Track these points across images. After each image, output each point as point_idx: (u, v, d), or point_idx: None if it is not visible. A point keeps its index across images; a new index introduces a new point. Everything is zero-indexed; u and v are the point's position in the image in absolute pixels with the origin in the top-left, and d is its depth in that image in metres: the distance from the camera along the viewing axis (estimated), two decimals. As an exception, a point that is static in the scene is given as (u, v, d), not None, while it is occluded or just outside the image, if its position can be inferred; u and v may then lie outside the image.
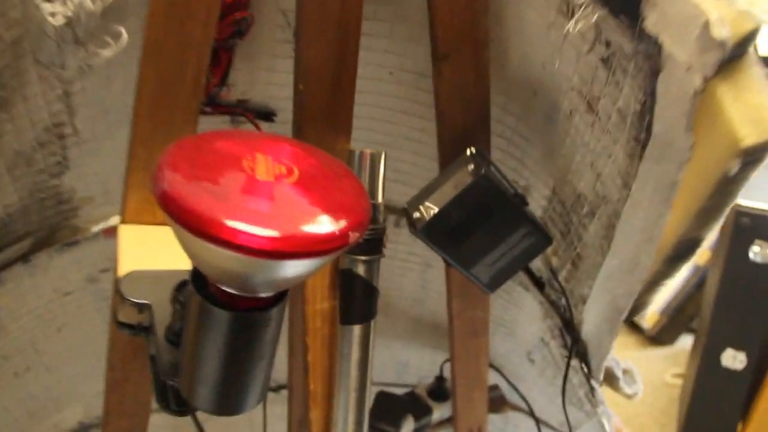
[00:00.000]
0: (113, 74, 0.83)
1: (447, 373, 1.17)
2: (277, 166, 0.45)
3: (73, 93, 0.82)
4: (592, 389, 1.00)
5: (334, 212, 0.44)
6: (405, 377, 1.44)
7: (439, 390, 1.21)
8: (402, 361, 1.43)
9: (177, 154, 0.44)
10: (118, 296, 0.64)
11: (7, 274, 0.96)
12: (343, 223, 0.43)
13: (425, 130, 0.95)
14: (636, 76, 0.59)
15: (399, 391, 1.23)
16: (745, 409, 2.01)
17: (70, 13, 0.64)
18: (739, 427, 2.03)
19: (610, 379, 0.99)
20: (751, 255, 1.87)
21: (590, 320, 0.88)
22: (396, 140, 0.98)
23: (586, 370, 0.99)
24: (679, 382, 2.35)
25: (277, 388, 1.41)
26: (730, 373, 1.97)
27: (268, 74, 0.89)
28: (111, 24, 0.71)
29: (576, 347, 0.96)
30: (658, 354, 2.57)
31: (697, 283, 2.48)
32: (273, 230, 0.41)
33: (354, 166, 0.73)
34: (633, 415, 2.22)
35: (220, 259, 0.43)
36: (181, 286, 0.56)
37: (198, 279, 0.49)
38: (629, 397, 1.00)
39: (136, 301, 0.63)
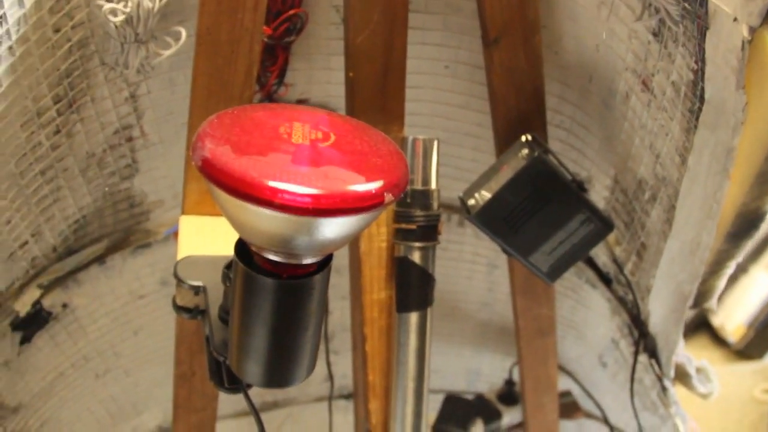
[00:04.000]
0: (176, 77, 0.87)
1: (516, 377, 1.15)
2: (314, 132, 0.46)
3: (139, 96, 0.86)
4: (663, 388, 0.96)
5: (370, 173, 0.44)
6: (477, 385, 1.42)
7: (509, 394, 1.19)
8: (473, 369, 1.41)
9: (216, 124, 0.46)
10: (176, 280, 0.66)
11: (84, 275, 1.00)
12: (379, 183, 0.44)
13: (483, 125, 0.95)
14: (686, 43, 0.57)
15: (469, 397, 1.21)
16: (843, 425, 1.91)
17: (128, 10, 0.67)
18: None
19: (683, 377, 0.95)
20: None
21: (656, 312, 0.85)
22: (455, 136, 0.98)
23: (656, 367, 0.95)
24: (770, 398, 2.24)
25: (348, 396, 1.42)
26: (826, 386, 1.87)
27: (326, 73, 0.91)
28: (171, 25, 0.75)
29: (644, 342, 0.93)
30: (746, 369, 2.45)
31: (786, 293, 2.37)
32: (311, 188, 0.42)
33: (407, 152, 0.73)
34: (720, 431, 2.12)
35: (261, 221, 0.44)
36: (231, 265, 0.58)
37: (242, 250, 0.50)
38: (704, 396, 0.96)
39: (191, 283, 0.65)
